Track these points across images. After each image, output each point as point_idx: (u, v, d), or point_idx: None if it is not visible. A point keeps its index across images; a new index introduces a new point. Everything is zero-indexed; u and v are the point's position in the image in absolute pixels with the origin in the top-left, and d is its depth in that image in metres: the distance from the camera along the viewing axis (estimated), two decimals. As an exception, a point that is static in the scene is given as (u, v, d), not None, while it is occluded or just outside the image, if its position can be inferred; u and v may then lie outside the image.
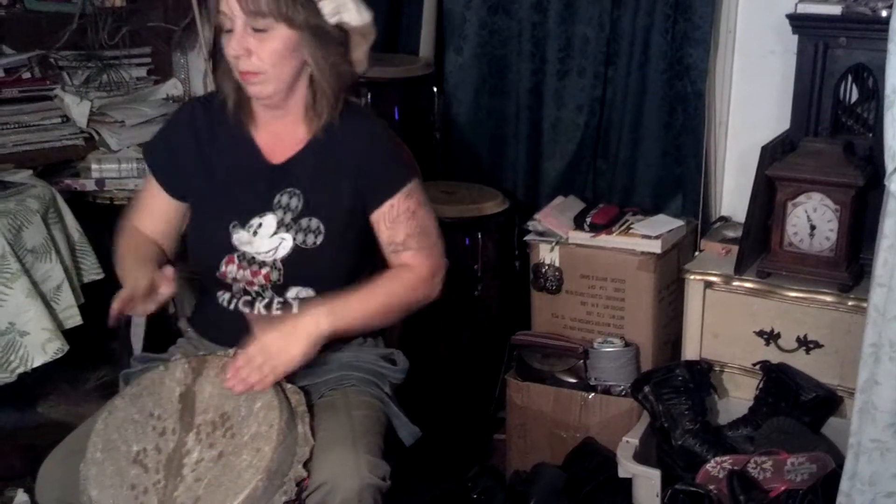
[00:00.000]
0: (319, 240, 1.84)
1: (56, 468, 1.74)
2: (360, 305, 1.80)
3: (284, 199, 1.86)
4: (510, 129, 3.06)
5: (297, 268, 1.84)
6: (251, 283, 1.86)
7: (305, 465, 1.68)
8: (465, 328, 2.81)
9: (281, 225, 1.85)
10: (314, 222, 1.85)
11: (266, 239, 1.85)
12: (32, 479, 1.81)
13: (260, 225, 1.86)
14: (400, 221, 1.85)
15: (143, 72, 3.29)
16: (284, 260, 1.84)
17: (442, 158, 3.14)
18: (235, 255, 1.86)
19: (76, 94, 3.05)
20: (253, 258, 1.85)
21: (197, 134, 1.93)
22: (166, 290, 1.78)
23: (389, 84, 2.93)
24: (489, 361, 2.82)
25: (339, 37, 1.83)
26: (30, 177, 2.67)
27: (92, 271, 2.65)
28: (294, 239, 1.84)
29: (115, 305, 1.75)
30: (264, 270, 1.85)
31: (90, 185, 2.96)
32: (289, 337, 1.73)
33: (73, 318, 2.52)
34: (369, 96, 2.89)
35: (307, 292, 1.86)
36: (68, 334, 2.46)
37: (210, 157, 1.91)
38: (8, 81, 2.98)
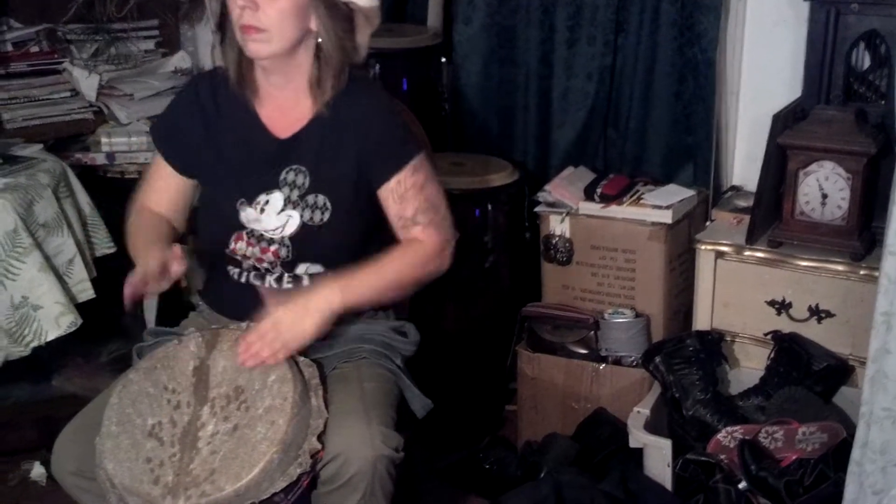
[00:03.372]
0: (326, 216, 1.84)
1: (71, 442, 1.76)
2: (372, 281, 1.81)
3: (290, 176, 1.86)
4: (520, 100, 3.04)
5: (305, 244, 1.85)
6: (260, 260, 1.87)
7: (319, 437, 1.69)
8: (476, 300, 2.81)
9: (288, 202, 1.85)
10: (321, 199, 1.84)
11: (273, 216, 1.85)
12: (48, 451, 1.83)
13: (267, 202, 1.86)
14: (409, 197, 1.84)
15: (151, 44, 3.28)
16: (292, 237, 1.84)
17: (451, 129, 3.13)
18: (244, 233, 1.87)
19: (84, 68, 3.04)
20: (262, 235, 1.86)
21: (203, 110, 1.92)
22: (178, 268, 1.78)
23: (398, 55, 2.92)
24: (500, 333, 2.83)
25: (347, 14, 1.82)
26: (40, 151, 2.67)
27: (104, 245, 2.66)
28: (301, 216, 1.84)
29: (128, 290, 1.75)
30: (273, 247, 1.85)
31: (100, 159, 2.96)
32: (301, 312, 1.74)
33: (85, 292, 2.53)
34: (378, 67, 2.87)
35: (316, 268, 1.87)
36: (81, 308, 2.47)
37: (216, 134, 1.91)
38: (16, 55, 2.98)
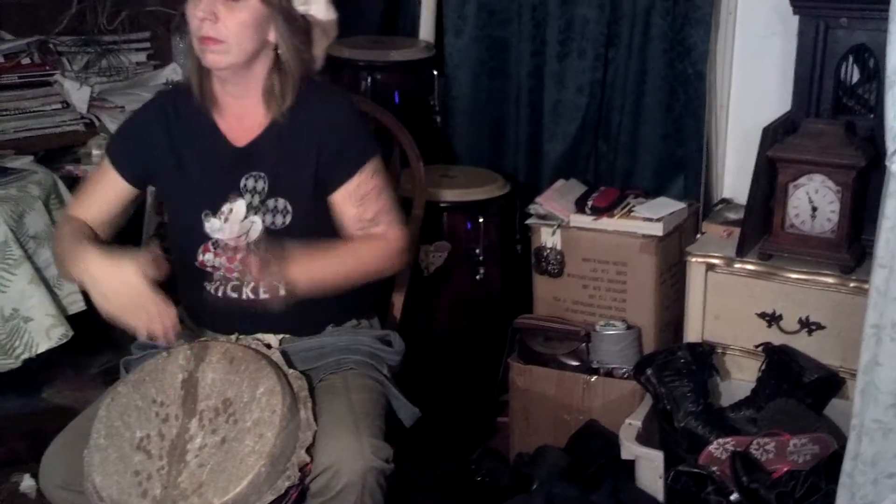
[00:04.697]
0: (288, 219, 1.86)
1: (60, 454, 1.76)
2: (332, 267, 1.82)
3: (251, 182, 1.87)
4: (511, 112, 3.05)
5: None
6: (230, 270, 1.87)
7: (308, 450, 1.69)
8: (468, 312, 2.81)
9: (250, 208, 1.86)
10: (281, 202, 1.86)
11: (237, 224, 1.87)
12: (37, 464, 1.82)
13: (231, 210, 1.87)
14: (370, 198, 1.87)
15: (142, 56, 3.29)
16: (256, 242, 1.85)
17: (442, 142, 3.13)
18: (210, 243, 1.88)
19: (76, 80, 3.04)
20: (227, 244, 1.86)
21: (166, 124, 1.93)
22: (160, 271, 1.78)
23: (389, 67, 2.92)
24: (492, 345, 2.82)
25: (304, 26, 1.85)
26: (31, 163, 2.67)
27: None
28: (263, 220, 1.85)
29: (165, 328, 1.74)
30: (239, 255, 1.85)
31: (91, 171, 2.96)
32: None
33: (76, 304, 2.53)
34: (369, 80, 2.88)
35: None
36: (72, 320, 2.47)
37: (179, 147, 1.92)
38: (7, 67, 2.98)
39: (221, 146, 1.90)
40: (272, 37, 1.82)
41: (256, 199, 1.86)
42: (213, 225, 1.87)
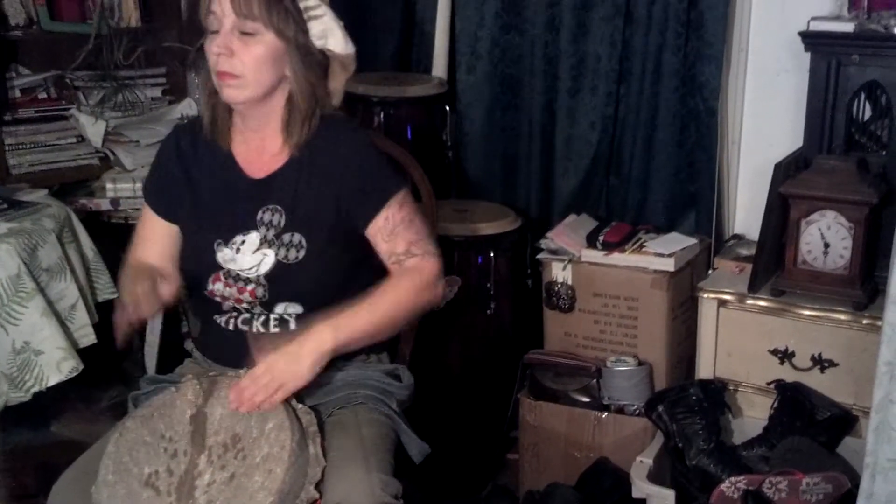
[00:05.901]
0: (301, 254, 1.84)
1: (67, 490, 1.74)
2: (365, 316, 1.79)
3: (267, 216, 1.86)
4: (522, 148, 3.06)
5: (281, 283, 1.84)
6: (239, 301, 1.87)
7: (317, 486, 1.68)
8: (478, 346, 2.80)
9: (264, 241, 1.86)
10: (296, 237, 1.85)
11: (248, 255, 1.86)
12: (45, 498, 1.81)
13: (243, 242, 1.86)
14: (398, 232, 1.85)
15: (157, 92, 3.31)
16: (268, 276, 1.84)
17: (454, 177, 3.15)
18: (221, 273, 1.87)
19: (91, 114, 3.07)
20: (238, 275, 1.86)
21: (182, 157, 1.95)
22: (169, 288, 1.80)
23: (402, 103, 2.94)
24: (502, 380, 2.81)
25: (321, 61, 1.85)
26: (45, 196, 2.69)
27: (106, 290, 2.67)
28: (276, 254, 1.85)
29: (117, 316, 1.76)
30: (249, 287, 1.85)
31: (105, 205, 2.98)
32: (294, 355, 1.73)
33: (87, 337, 2.53)
34: (382, 115, 2.90)
35: (295, 308, 1.86)
36: (83, 353, 2.47)
37: (195, 179, 1.93)
38: (24, 101, 3.01)
39: (238, 178, 1.90)
40: (288, 71, 1.83)
41: (271, 233, 1.86)
42: (224, 255, 1.87)
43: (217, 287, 1.88)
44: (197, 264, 1.90)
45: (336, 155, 1.86)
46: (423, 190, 2.26)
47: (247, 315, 1.89)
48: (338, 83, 1.90)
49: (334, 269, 1.87)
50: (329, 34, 1.84)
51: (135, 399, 1.93)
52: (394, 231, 1.84)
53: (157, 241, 1.97)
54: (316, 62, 1.84)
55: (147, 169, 2.92)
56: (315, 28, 1.81)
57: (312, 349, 1.74)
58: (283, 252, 1.85)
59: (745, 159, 2.78)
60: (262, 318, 1.88)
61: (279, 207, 1.86)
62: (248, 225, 1.87)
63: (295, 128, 1.85)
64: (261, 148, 1.90)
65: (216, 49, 1.77)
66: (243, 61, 1.77)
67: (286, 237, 1.85)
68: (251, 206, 1.87)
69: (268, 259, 1.85)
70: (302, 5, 1.80)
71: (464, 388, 2.79)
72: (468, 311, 2.74)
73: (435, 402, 2.34)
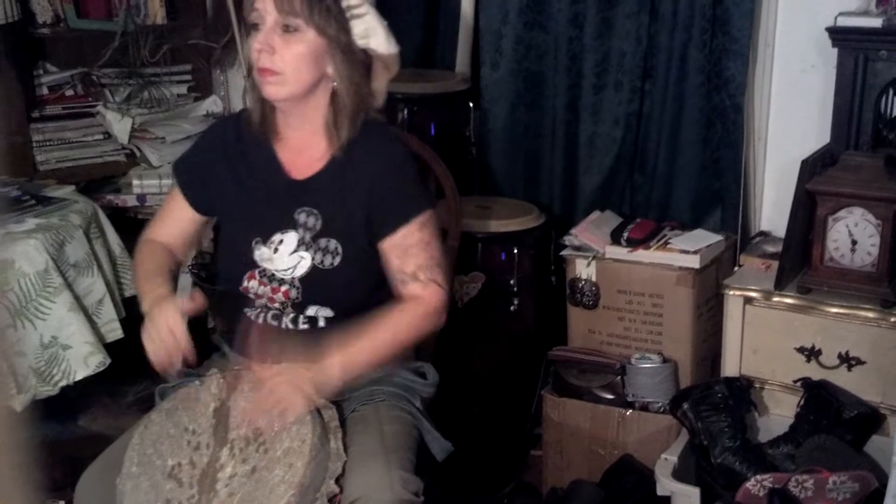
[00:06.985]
0: (337, 261, 1.84)
1: (93, 482, 1.76)
2: (370, 347, 1.80)
3: (303, 217, 1.86)
4: (546, 144, 3.05)
5: (315, 287, 1.85)
6: (272, 300, 1.87)
7: (338, 480, 1.68)
8: (502, 343, 2.80)
9: (301, 243, 1.86)
10: (332, 243, 1.85)
11: (286, 256, 1.86)
12: (73, 490, 1.83)
13: (281, 241, 1.87)
14: (411, 252, 1.83)
15: (183, 89, 3.34)
16: (302, 279, 1.85)
17: (478, 173, 3.14)
18: (256, 272, 1.88)
19: (118, 111, 3.10)
20: (273, 275, 1.86)
21: (226, 151, 1.95)
22: (196, 305, 1.80)
23: (426, 100, 2.94)
24: (525, 377, 2.81)
25: (364, 61, 1.85)
26: (72, 192, 2.71)
27: (133, 286, 2.68)
28: (313, 258, 1.85)
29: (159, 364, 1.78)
30: (283, 288, 1.86)
31: (131, 201, 3.01)
32: (300, 387, 1.71)
33: (114, 332, 2.55)
34: (406, 112, 2.90)
35: (326, 312, 1.86)
36: (109, 348, 2.49)
37: (238, 174, 1.93)
38: (51, 98, 3.05)
39: (279, 177, 1.90)
40: (330, 69, 1.82)
41: (308, 236, 1.85)
42: (262, 254, 1.87)
43: (251, 285, 1.88)
44: (234, 260, 1.91)
45: (371, 161, 1.85)
46: (446, 186, 2.26)
47: (275, 311, 1.89)
48: (381, 83, 1.89)
49: (367, 277, 1.87)
50: (372, 34, 1.83)
51: (162, 392, 1.94)
52: (408, 250, 1.83)
53: (176, 223, 2.00)
54: (359, 62, 1.83)
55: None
56: (357, 27, 1.81)
57: (320, 384, 1.73)
58: (319, 257, 1.84)
59: (771, 156, 2.76)
60: (292, 315, 1.88)
61: (315, 210, 1.86)
62: (288, 224, 1.87)
63: (340, 127, 1.84)
64: (301, 147, 1.90)
65: (258, 46, 1.78)
66: (284, 58, 1.77)
67: (322, 241, 1.85)
68: (290, 205, 1.87)
69: (304, 262, 1.85)
70: (344, 4, 1.79)
71: (487, 384, 2.79)
72: (491, 308, 2.73)
73: (458, 398, 2.34)
